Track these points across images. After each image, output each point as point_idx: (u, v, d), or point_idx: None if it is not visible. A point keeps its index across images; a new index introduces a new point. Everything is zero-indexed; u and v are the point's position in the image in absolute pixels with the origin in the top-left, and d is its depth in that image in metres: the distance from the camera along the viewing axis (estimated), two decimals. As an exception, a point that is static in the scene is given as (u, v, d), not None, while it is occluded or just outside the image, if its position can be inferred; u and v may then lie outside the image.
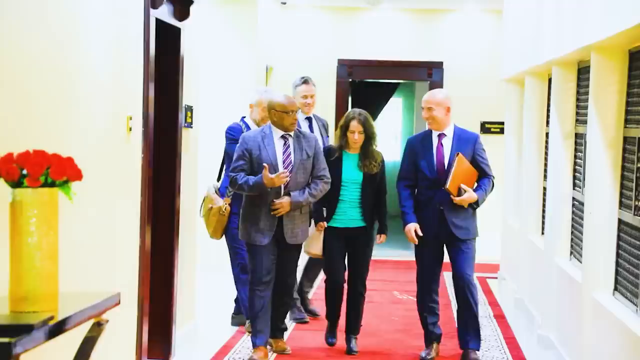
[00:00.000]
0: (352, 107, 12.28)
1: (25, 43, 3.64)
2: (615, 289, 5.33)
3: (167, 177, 6.02)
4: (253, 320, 5.98)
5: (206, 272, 8.44)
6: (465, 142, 5.99)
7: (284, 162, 5.85)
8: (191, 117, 6.46)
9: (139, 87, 5.26)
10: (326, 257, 6.30)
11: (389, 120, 15.38)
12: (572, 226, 6.68)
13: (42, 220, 3.00)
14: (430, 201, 5.95)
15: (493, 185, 6.05)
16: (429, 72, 11.50)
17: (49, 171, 3.02)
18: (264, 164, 5.69)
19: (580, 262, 5.98)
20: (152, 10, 5.33)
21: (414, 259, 6.24)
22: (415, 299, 6.28)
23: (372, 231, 6.29)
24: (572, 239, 6.66)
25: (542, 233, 7.75)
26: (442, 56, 11.41)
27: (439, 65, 11.43)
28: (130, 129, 5.08)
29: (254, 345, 5.97)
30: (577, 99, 6.67)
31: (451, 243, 6.00)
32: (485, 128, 10.81)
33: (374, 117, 14.30)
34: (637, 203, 4.97)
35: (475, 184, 5.96)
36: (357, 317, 6.35)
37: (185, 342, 6.35)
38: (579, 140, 6.57)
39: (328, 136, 7.29)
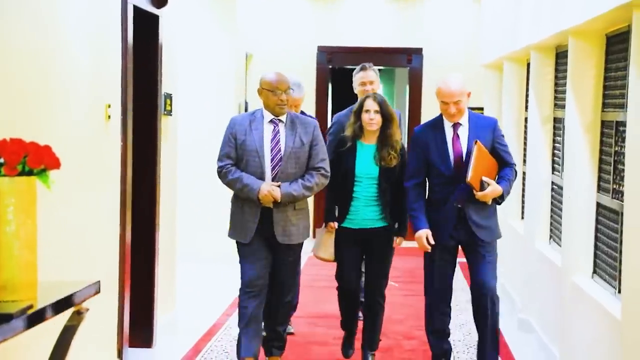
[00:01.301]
0: (332, 94, 12.33)
1: (2, 33, 3.60)
2: (595, 272, 5.37)
3: (147, 165, 5.99)
4: (240, 330, 5.31)
5: (185, 262, 8.41)
6: (483, 129, 5.19)
7: (271, 150, 5.16)
8: (170, 104, 6.44)
9: (117, 75, 5.23)
10: (338, 264, 5.59)
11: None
12: (552, 210, 6.72)
13: (20, 209, 2.98)
14: (447, 200, 5.12)
15: (516, 175, 5.29)
16: (409, 59, 11.51)
17: (26, 160, 3.00)
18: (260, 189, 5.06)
19: (560, 246, 6.01)
20: (129, -2, 5.30)
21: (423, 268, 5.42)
22: (425, 314, 5.41)
23: (391, 232, 5.50)
24: (551, 223, 6.71)
25: (522, 217, 7.80)
26: (422, 43, 11.42)
27: (418, 52, 11.44)
28: (109, 117, 5.05)
29: (239, 357, 5.37)
30: (555, 84, 6.69)
31: (471, 247, 5.18)
32: (464, 114, 10.82)
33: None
34: (615, 186, 5.00)
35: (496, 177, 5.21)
36: (373, 331, 5.64)
37: (166, 330, 6.34)
38: (558, 124, 6.60)
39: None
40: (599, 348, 4.80)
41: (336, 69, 12.09)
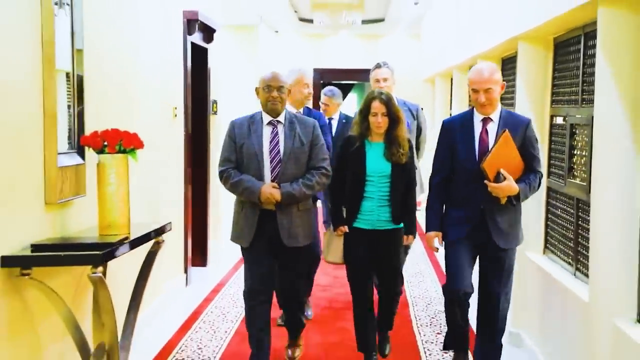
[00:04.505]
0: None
1: (110, 64, 3.60)
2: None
3: (201, 147, 6.00)
4: (250, 339, 3.53)
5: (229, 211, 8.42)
6: (514, 128, 3.27)
7: (270, 152, 3.41)
8: (216, 107, 6.43)
9: (181, 87, 5.22)
10: (350, 269, 3.62)
11: (346, 112, 15.32)
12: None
13: (118, 175, 3.00)
14: (469, 199, 3.29)
15: (540, 184, 3.33)
16: (373, 76, 11.41)
17: (121, 142, 3.02)
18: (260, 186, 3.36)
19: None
20: (188, 36, 5.28)
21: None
22: (446, 319, 3.48)
23: (401, 232, 3.61)
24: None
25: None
26: (382, 65, 11.35)
27: (379, 72, 11.36)
28: (175, 116, 5.05)
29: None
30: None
31: (487, 252, 3.34)
32: (410, 113, 10.79)
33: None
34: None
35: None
36: (390, 315, 3.83)
37: (216, 255, 6.38)
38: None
39: (416, 122, 4.76)
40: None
41: (325, 83, 12.04)
